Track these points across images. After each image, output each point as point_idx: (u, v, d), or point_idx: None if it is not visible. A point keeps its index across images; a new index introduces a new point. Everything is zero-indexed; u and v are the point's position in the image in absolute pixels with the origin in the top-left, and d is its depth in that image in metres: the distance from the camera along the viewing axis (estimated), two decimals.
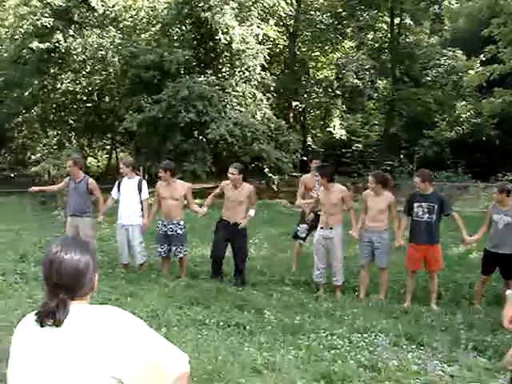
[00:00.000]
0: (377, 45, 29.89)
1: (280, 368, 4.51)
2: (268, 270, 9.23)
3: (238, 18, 21.75)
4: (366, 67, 28.40)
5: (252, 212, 8.40)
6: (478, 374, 4.35)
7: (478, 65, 21.35)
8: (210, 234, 8.81)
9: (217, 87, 20.72)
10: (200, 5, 20.60)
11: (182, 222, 8.54)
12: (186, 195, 8.51)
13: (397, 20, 27.77)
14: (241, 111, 21.35)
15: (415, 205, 7.38)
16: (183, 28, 22.73)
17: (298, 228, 9.21)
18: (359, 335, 5.61)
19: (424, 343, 5.32)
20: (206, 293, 7.35)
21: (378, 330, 5.78)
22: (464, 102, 23.22)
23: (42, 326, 1.92)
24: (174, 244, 8.46)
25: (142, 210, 8.72)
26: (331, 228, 7.82)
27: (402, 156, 28.03)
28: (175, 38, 23.07)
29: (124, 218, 8.70)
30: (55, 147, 24.82)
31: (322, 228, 7.93)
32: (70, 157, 18.52)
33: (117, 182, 8.89)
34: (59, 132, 27.24)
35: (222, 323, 5.97)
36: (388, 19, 28.07)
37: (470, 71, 21.62)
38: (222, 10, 20.69)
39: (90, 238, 8.72)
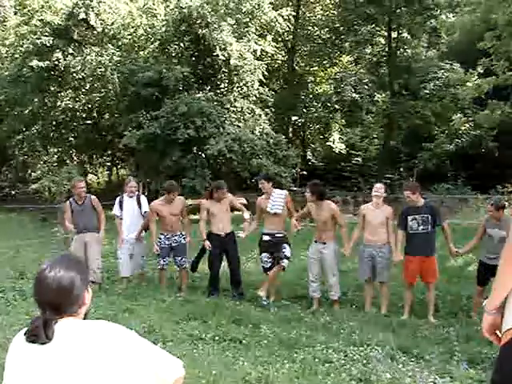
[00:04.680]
0: (375, 59, 29.94)
1: (273, 382, 4.51)
2: None
3: (236, 35, 21.86)
4: (364, 81, 28.48)
5: (246, 214, 8.49)
6: None
7: (477, 77, 21.42)
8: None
9: (215, 103, 20.82)
10: (197, 22, 20.75)
11: (183, 233, 8.78)
12: (181, 209, 8.78)
13: (394, 34, 27.88)
14: (239, 127, 21.41)
15: (409, 218, 7.40)
16: (181, 45, 22.84)
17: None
18: (355, 348, 5.60)
19: (420, 357, 5.32)
20: (203, 307, 7.36)
21: (375, 343, 5.77)
22: (460, 115, 23.18)
23: (32, 343, 1.93)
24: (179, 255, 8.69)
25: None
26: (324, 243, 7.87)
27: (401, 169, 28.04)
28: (173, 54, 23.18)
29: (130, 233, 8.97)
30: (55, 164, 24.88)
31: (315, 242, 7.99)
32: (71, 174, 18.75)
33: (118, 201, 9.13)
34: (60, 149, 27.32)
35: (217, 338, 5.97)
36: (385, 33, 28.22)
37: (468, 83, 21.67)
38: (219, 26, 20.82)
39: (98, 252, 9.05)
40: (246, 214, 8.53)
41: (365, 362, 5.09)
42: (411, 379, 4.50)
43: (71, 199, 9.05)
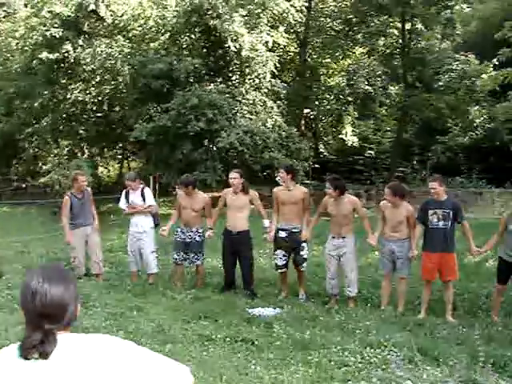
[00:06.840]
0: (388, 50, 29.50)
1: None
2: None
3: (248, 26, 21.56)
4: (378, 73, 28.12)
5: (266, 222, 8.25)
6: None
7: (491, 69, 21.05)
8: (220, 244, 8.67)
9: (227, 95, 20.53)
10: (209, 13, 20.46)
11: (200, 230, 8.57)
12: (204, 208, 8.55)
13: (408, 25, 27.41)
14: (251, 119, 21.15)
15: (429, 212, 7.14)
16: (192, 36, 22.55)
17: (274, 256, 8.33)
18: (372, 350, 5.36)
19: (440, 360, 5.07)
20: (214, 306, 7.15)
21: (392, 344, 5.53)
22: (477, 107, 22.85)
23: (26, 359, 1.75)
24: (192, 251, 8.49)
25: (152, 216, 8.87)
26: (343, 237, 7.64)
27: (414, 162, 27.73)
28: (184, 46, 22.92)
29: (135, 227, 8.80)
30: (66, 157, 24.75)
31: (333, 237, 7.75)
32: (80, 167, 18.59)
33: (123, 194, 8.93)
34: (70, 142, 27.19)
35: (228, 339, 5.74)
36: (399, 24, 27.77)
37: (483, 75, 21.30)
38: (231, 17, 20.51)
39: (98, 244, 9.04)
40: (266, 222, 8.27)
41: (383, 366, 4.84)
42: None
43: (70, 193, 8.97)
